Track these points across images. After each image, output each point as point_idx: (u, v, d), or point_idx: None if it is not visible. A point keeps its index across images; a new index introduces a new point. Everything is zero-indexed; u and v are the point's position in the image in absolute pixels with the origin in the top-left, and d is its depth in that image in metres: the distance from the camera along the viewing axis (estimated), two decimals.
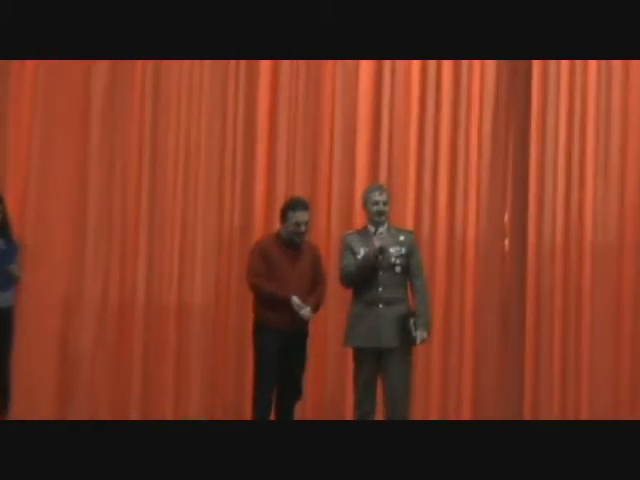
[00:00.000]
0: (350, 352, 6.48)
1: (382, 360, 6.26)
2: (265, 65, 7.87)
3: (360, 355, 6.34)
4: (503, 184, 7.76)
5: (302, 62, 7.80)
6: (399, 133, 7.79)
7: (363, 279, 6.30)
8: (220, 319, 7.88)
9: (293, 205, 6.70)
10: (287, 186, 7.83)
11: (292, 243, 6.65)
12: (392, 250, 6.33)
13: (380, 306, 6.30)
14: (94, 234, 7.89)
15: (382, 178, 7.71)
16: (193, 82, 7.94)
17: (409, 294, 6.40)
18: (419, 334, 6.27)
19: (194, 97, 7.94)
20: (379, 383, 6.33)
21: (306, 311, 6.54)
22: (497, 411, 7.54)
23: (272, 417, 6.60)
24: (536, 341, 7.56)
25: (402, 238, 6.42)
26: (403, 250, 6.37)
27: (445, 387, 7.67)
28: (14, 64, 7.74)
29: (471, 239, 7.74)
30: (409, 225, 7.50)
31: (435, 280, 7.55)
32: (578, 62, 7.55)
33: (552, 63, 7.59)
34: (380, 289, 6.30)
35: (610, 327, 7.51)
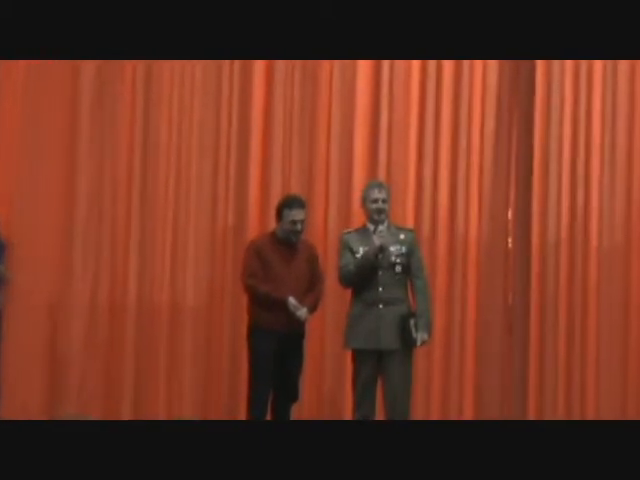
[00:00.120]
0: (349, 353, 6.47)
1: (382, 362, 6.25)
2: (260, 61, 7.85)
3: (359, 356, 6.32)
4: (506, 180, 7.71)
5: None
6: (398, 129, 7.73)
7: (362, 279, 6.28)
8: (214, 321, 7.84)
9: (289, 203, 6.64)
10: (283, 183, 7.79)
11: (288, 242, 6.61)
12: (392, 249, 6.30)
13: (380, 306, 6.27)
14: (83, 233, 7.90)
15: (381, 175, 7.64)
16: (185, 79, 7.93)
17: (409, 294, 6.38)
18: (420, 335, 6.27)
19: (186, 94, 7.94)
20: (379, 385, 6.31)
21: (302, 312, 6.49)
22: (501, 411, 7.54)
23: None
24: (541, 340, 7.51)
25: (402, 236, 6.40)
26: (403, 249, 6.35)
27: (446, 387, 7.64)
28: (1, 64, 7.71)
29: (473, 237, 7.69)
30: (409, 223, 7.45)
31: (436, 280, 7.50)
32: (583, 60, 7.55)
33: (556, 61, 7.58)
34: (380, 289, 6.28)
35: (617, 326, 7.44)
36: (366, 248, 6.27)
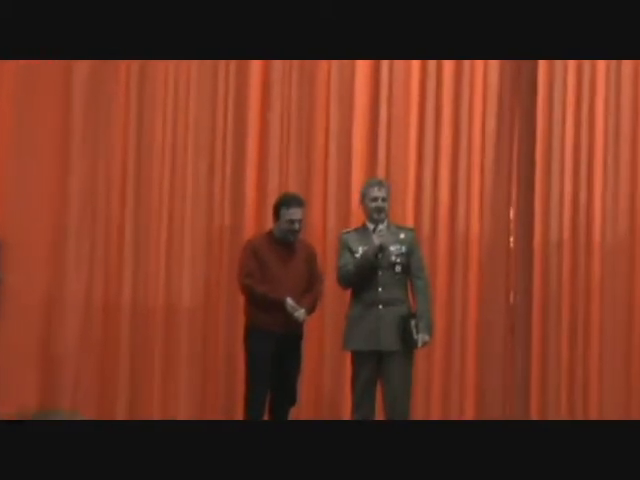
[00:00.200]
0: (348, 355, 6.48)
1: (382, 363, 6.24)
2: (256, 60, 7.85)
3: (359, 358, 6.31)
4: (508, 179, 7.69)
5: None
6: (398, 127, 7.69)
7: (362, 279, 6.27)
8: (210, 322, 7.78)
9: (286, 202, 6.61)
10: (280, 182, 7.74)
11: (285, 242, 6.57)
12: (392, 248, 6.29)
13: (380, 307, 6.26)
14: (76, 233, 7.80)
15: (380, 173, 7.59)
16: (180, 78, 7.91)
17: (410, 295, 6.38)
18: (421, 337, 6.26)
19: (181, 92, 7.91)
20: (378, 387, 6.30)
21: (301, 313, 6.46)
22: (503, 411, 7.55)
23: None
24: (543, 340, 7.52)
25: (402, 236, 6.38)
26: (404, 248, 6.33)
27: (447, 387, 7.63)
28: None
29: (474, 236, 7.66)
30: (409, 222, 7.41)
31: (437, 280, 7.47)
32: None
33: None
34: (380, 289, 6.26)
35: (620, 325, 7.45)
36: (365, 248, 6.25)
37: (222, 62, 7.80)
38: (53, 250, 7.83)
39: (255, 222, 7.69)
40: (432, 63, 7.66)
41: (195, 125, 7.85)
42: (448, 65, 7.65)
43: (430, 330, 6.30)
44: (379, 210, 6.29)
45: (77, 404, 7.63)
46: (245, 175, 7.78)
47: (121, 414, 7.66)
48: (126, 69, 7.87)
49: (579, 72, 7.56)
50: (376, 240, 6.20)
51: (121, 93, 7.90)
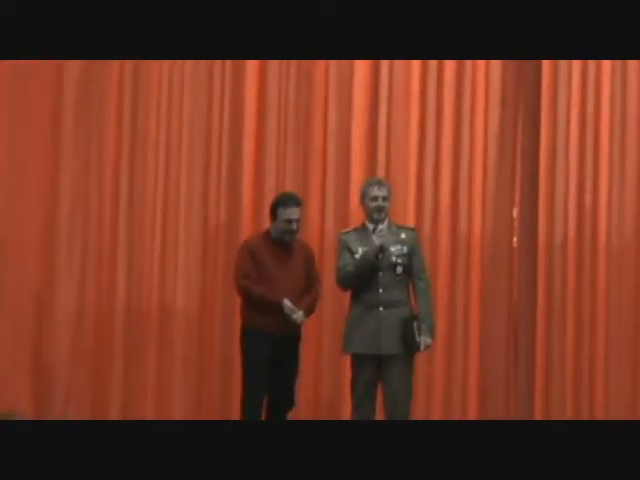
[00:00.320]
0: (347, 358, 6.46)
1: (382, 367, 6.22)
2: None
3: (359, 361, 6.28)
4: (511, 178, 7.65)
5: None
6: (398, 126, 7.68)
7: (362, 280, 6.23)
8: (205, 324, 7.81)
9: (284, 201, 6.58)
10: (277, 181, 7.75)
11: (283, 242, 6.55)
12: (393, 249, 6.25)
13: (380, 309, 6.22)
14: (68, 234, 7.95)
15: (380, 172, 7.60)
16: (174, 77, 7.95)
17: (411, 296, 6.34)
18: (423, 339, 6.23)
19: (175, 91, 7.96)
20: (378, 390, 6.29)
21: (299, 315, 6.43)
22: (506, 411, 7.53)
23: None
24: (547, 340, 7.47)
25: (403, 236, 6.34)
26: (405, 249, 6.29)
27: (449, 388, 7.62)
28: None
29: (477, 236, 7.64)
30: (410, 222, 7.40)
31: (438, 281, 7.46)
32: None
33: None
34: (380, 291, 6.22)
35: (627, 325, 7.38)
36: (365, 248, 6.22)
37: (218, 62, 7.84)
38: (44, 252, 7.89)
39: (252, 222, 7.68)
40: (433, 63, 7.66)
41: (190, 125, 7.88)
42: (449, 63, 7.65)
43: (432, 333, 6.27)
44: (379, 210, 6.25)
45: (69, 408, 7.71)
46: (241, 175, 7.78)
47: (115, 417, 7.71)
48: (119, 69, 7.91)
49: (584, 72, 7.55)
50: (376, 240, 6.17)
51: (114, 93, 7.95)
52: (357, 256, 6.23)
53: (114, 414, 7.76)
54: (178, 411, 7.72)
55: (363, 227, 6.36)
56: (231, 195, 7.78)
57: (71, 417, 7.61)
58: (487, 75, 7.65)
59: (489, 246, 7.62)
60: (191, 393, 7.78)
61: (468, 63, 7.63)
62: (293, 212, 6.48)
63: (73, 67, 7.87)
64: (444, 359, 7.59)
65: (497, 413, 7.48)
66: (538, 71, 7.57)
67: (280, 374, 6.48)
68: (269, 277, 6.46)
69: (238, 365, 6.69)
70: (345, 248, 6.29)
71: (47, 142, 7.93)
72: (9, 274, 7.59)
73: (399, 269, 6.22)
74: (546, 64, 7.52)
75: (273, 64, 7.78)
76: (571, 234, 7.48)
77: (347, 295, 6.40)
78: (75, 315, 7.84)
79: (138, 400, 7.80)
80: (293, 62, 7.78)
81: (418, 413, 7.12)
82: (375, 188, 6.30)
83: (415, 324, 6.16)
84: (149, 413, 7.74)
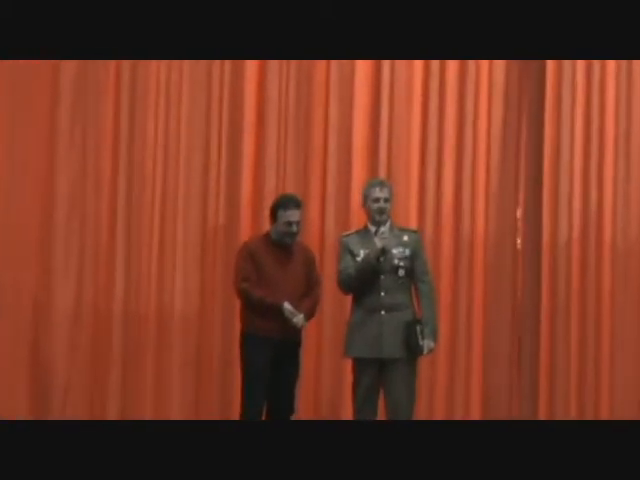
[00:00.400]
0: (348, 362, 6.42)
1: (384, 371, 6.19)
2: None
3: (360, 366, 6.25)
4: (515, 179, 7.69)
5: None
6: (400, 126, 7.69)
7: (363, 283, 6.20)
8: (204, 327, 7.78)
9: (284, 203, 6.54)
10: (277, 183, 7.73)
11: (283, 244, 6.51)
12: (395, 251, 6.22)
13: (382, 313, 6.19)
14: (65, 235, 7.86)
15: (382, 173, 7.59)
16: (172, 77, 7.90)
17: (414, 299, 6.32)
18: (426, 343, 6.20)
19: (174, 91, 7.91)
20: (380, 395, 6.26)
21: (299, 318, 6.38)
22: (510, 411, 7.54)
23: None
24: (551, 341, 7.50)
25: (406, 238, 6.32)
26: (407, 251, 6.27)
27: (452, 388, 7.62)
28: None
29: (480, 238, 7.64)
30: (413, 223, 7.43)
31: (442, 282, 7.47)
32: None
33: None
34: (382, 294, 6.20)
35: (631, 326, 7.43)
36: (367, 251, 6.18)
37: (217, 62, 7.81)
38: (42, 251, 7.87)
39: (251, 224, 7.67)
40: (436, 62, 7.66)
41: (188, 126, 7.87)
42: (452, 63, 7.64)
43: (435, 336, 6.24)
44: (381, 211, 6.22)
45: (67, 408, 7.70)
46: (241, 176, 7.76)
47: (113, 418, 7.71)
48: (116, 68, 7.88)
49: (588, 72, 7.55)
50: (378, 243, 6.13)
51: (111, 93, 7.93)
52: (358, 259, 6.20)
53: (112, 415, 7.71)
54: (176, 413, 7.67)
55: (365, 229, 6.33)
56: (230, 196, 7.75)
57: (69, 414, 7.65)
58: (490, 75, 7.69)
59: (493, 247, 7.63)
60: (189, 396, 7.73)
61: (471, 63, 7.64)
62: (293, 214, 6.44)
63: (70, 67, 7.81)
64: (447, 360, 7.60)
65: (501, 413, 7.48)
66: (542, 71, 7.62)
67: (280, 380, 6.45)
68: (269, 280, 6.42)
69: (237, 368, 6.63)
70: (346, 251, 6.27)
71: (44, 143, 7.89)
72: (8, 276, 7.58)
73: (401, 272, 6.19)
74: (550, 64, 7.57)
75: (273, 64, 7.76)
76: (575, 234, 7.51)
77: (348, 298, 6.38)
78: (73, 317, 7.78)
79: (136, 402, 7.74)
80: (293, 62, 7.75)
81: (421, 413, 7.11)
82: (377, 189, 6.28)
83: (418, 328, 6.12)
84: (147, 415, 7.68)
